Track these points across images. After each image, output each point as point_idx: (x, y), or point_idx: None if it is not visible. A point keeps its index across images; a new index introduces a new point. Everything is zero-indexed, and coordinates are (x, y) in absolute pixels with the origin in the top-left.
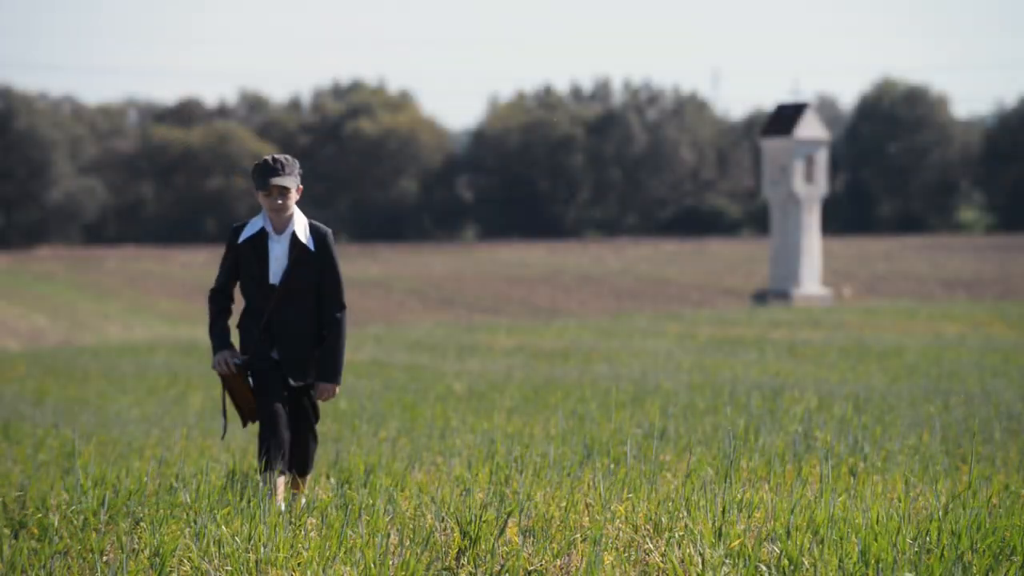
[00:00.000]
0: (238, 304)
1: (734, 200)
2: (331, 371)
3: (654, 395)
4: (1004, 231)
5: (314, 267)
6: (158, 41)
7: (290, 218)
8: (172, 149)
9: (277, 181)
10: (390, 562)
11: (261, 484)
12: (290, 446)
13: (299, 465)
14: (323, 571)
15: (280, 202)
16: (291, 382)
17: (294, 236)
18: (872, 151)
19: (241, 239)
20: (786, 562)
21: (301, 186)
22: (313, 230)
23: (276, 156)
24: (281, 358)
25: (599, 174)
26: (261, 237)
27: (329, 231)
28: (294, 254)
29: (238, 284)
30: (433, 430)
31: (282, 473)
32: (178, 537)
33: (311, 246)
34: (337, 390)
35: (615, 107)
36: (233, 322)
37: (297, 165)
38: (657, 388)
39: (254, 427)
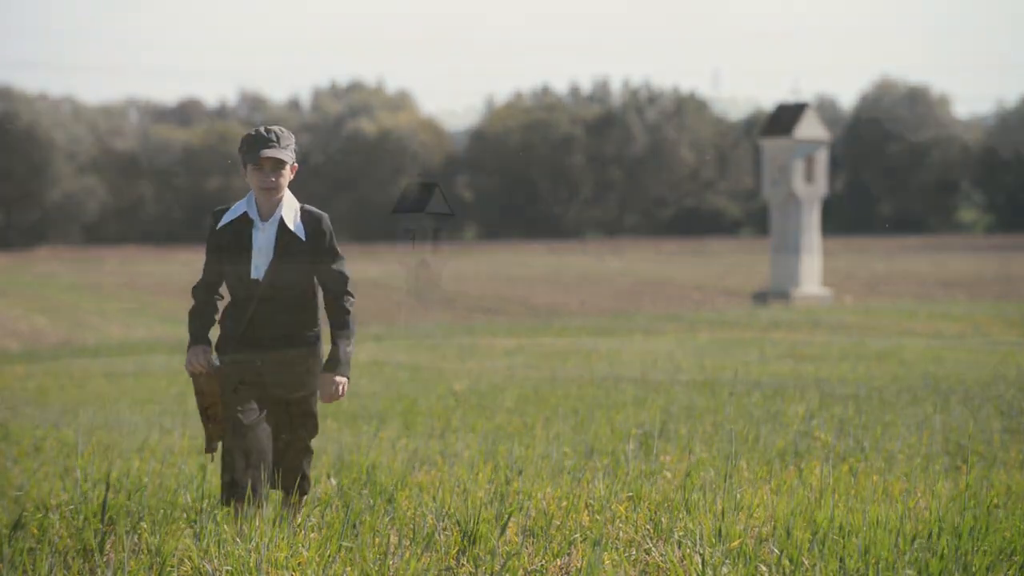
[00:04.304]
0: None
1: (734, 200)
2: (336, 360)
3: (654, 395)
4: (1004, 231)
5: (306, 260)
6: (158, 41)
7: (279, 201)
8: (172, 149)
9: (270, 153)
10: (390, 562)
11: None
12: (275, 460)
13: (286, 481)
14: (323, 571)
15: (272, 179)
16: (276, 394)
17: (281, 223)
18: (872, 151)
19: (220, 225)
20: (786, 562)
21: (296, 164)
22: (305, 215)
23: (269, 126)
24: (264, 367)
25: (599, 174)
26: (244, 224)
27: (325, 215)
28: (281, 245)
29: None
30: (433, 430)
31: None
32: (178, 537)
33: (301, 235)
34: (344, 386)
35: (615, 107)
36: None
37: (293, 139)
38: (657, 388)
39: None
